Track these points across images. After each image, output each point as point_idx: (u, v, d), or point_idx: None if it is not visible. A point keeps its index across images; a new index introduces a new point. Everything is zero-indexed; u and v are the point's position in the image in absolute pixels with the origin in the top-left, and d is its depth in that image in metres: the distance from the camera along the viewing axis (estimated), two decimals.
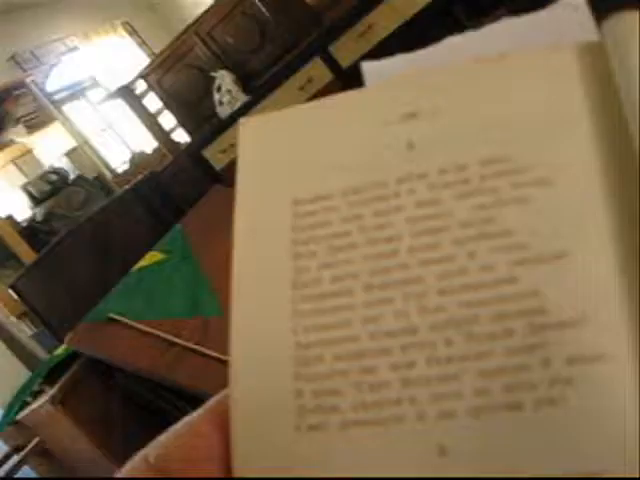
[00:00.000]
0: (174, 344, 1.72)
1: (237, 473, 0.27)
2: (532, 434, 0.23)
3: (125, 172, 5.18)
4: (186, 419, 0.29)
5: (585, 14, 0.28)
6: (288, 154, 0.30)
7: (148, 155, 5.19)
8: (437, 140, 0.28)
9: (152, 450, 0.28)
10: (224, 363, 1.61)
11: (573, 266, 0.24)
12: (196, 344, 1.70)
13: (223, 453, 0.27)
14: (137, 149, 5.69)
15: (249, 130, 0.32)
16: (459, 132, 0.27)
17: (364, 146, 0.29)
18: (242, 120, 0.32)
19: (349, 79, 2.96)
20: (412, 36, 2.82)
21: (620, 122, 0.26)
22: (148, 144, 5.31)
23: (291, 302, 0.28)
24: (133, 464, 0.28)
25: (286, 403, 0.27)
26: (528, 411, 0.24)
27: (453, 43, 0.31)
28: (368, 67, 0.32)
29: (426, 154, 0.28)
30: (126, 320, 1.79)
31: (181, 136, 4.27)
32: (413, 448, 0.25)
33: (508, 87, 0.27)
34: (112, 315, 1.81)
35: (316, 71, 3.05)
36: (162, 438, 0.28)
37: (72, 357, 1.99)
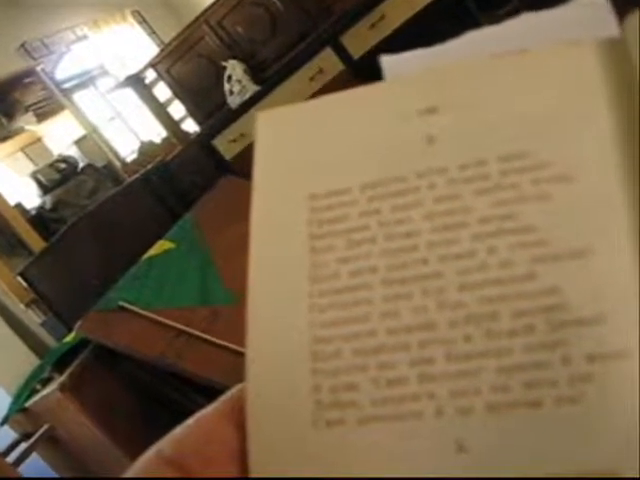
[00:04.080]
0: (183, 332, 1.73)
1: (253, 468, 0.27)
2: (551, 431, 0.23)
3: (134, 161, 5.18)
4: (201, 413, 0.28)
5: (606, 10, 0.28)
6: (305, 148, 0.30)
7: (157, 144, 5.19)
8: (457, 135, 0.27)
9: (166, 444, 0.28)
10: (232, 352, 1.61)
11: (593, 263, 0.24)
12: (205, 332, 1.70)
13: (238, 448, 0.27)
14: (146, 138, 5.69)
15: (266, 123, 0.31)
16: (479, 127, 0.27)
17: (383, 140, 0.29)
18: (259, 113, 0.31)
19: (360, 70, 2.95)
20: (424, 27, 2.80)
21: None
22: (157, 133, 5.31)
23: (309, 296, 0.27)
24: (146, 458, 0.27)
25: (303, 398, 0.26)
26: (548, 408, 0.23)
27: (472, 38, 0.30)
28: (387, 61, 0.31)
29: (446, 149, 0.27)
30: (136, 308, 1.79)
31: (190, 126, 4.27)
32: (431, 444, 0.24)
33: (528, 83, 0.27)
34: (122, 303, 1.81)
35: (327, 62, 3.04)
36: (176, 432, 0.28)
37: (81, 345, 2.00)
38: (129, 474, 0.27)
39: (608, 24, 0.28)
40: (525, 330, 0.24)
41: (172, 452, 0.27)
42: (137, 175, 2.95)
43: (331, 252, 0.28)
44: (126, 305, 1.80)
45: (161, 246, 2.08)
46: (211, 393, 1.65)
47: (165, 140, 4.89)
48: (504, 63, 0.28)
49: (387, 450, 0.25)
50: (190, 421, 0.28)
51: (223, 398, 0.29)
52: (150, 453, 0.27)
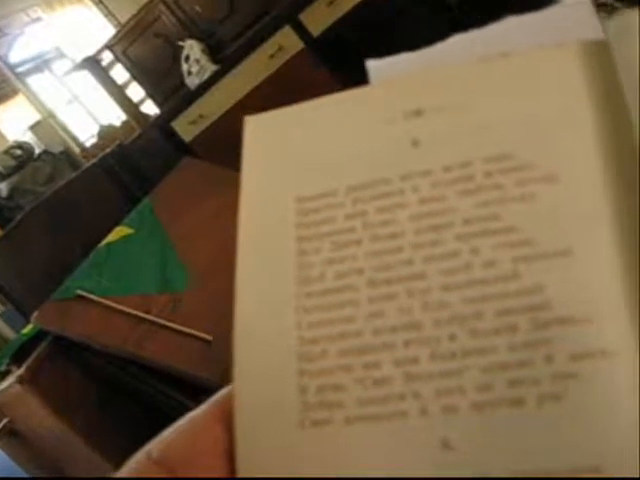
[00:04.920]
0: (143, 320, 1.69)
1: (241, 468, 0.27)
2: (535, 429, 0.23)
3: (93, 146, 5.08)
4: (190, 415, 0.29)
5: (590, 12, 0.28)
6: (293, 151, 0.30)
7: (116, 128, 5.10)
8: (442, 137, 0.28)
9: (155, 446, 0.28)
10: (195, 338, 1.58)
11: (577, 263, 0.24)
12: (166, 319, 1.67)
13: (227, 449, 0.27)
14: (105, 122, 5.58)
15: (254, 127, 0.32)
16: (464, 130, 0.28)
17: (369, 143, 0.29)
18: (247, 118, 0.32)
19: (320, 47, 2.91)
20: (381, 3, 2.78)
21: (624, 120, 0.26)
22: (117, 116, 5.22)
23: (295, 298, 0.28)
24: (136, 459, 0.28)
25: (290, 399, 0.27)
26: (531, 406, 0.24)
27: (458, 42, 0.31)
28: (374, 65, 0.32)
29: (431, 151, 0.28)
30: (94, 297, 1.75)
31: (150, 108, 4.20)
32: (417, 443, 0.25)
33: (513, 85, 0.28)
34: (80, 292, 1.77)
35: (286, 39, 2.99)
36: (165, 434, 0.28)
37: (40, 336, 1.95)
38: (119, 475, 0.27)
39: (592, 26, 0.28)
40: (509, 329, 0.24)
41: (161, 454, 0.27)
42: (94, 160, 2.88)
43: (317, 254, 0.28)
44: (84, 294, 1.76)
45: (119, 232, 2.02)
46: (174, 381, 1.60)
47: (125, 123, 4.81)
48: (489, 66, 0.28)
49: (373, 449, 0.25)
50: (179, 422, 0.28)
51: (212, 400, 0.29)
52: (140, 455, 0.28)
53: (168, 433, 0.28)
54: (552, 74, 0.27)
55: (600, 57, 0.27)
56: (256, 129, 0.32)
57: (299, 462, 0.26)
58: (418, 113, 0.29)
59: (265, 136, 0.31)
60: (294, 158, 0.30)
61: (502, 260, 0.25)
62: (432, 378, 0.25)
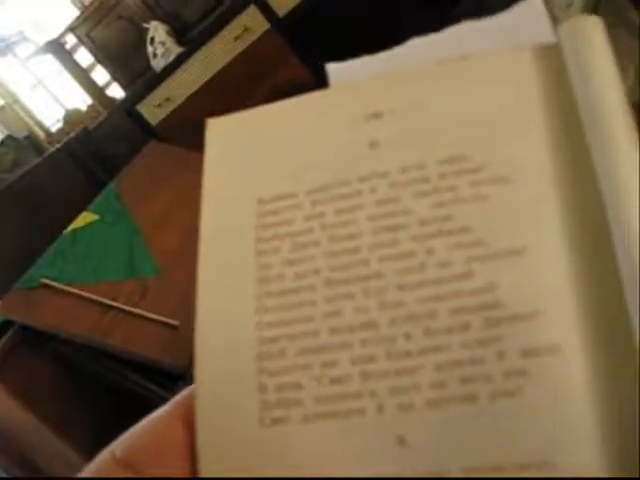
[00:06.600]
0: (111, 308, 1.67)
1: (202, 467, 0.27)
2: (487, 425, 0.24)
3: (59, 131, 5.00)
4: (154, 415, 0.29)
5: (544, 17, 0.29)
6: (254, 154, 0.31)
7: (82, 112, 5.02)
8: (399, 139, 0.28)
9: (119, 445, 0.28)
10: (163, 325, 1.57)
11: (527, 262, 0.25)
12: (133, 306, 1.65)
13: (189, 448, 0.28)
14: (71, 106, 5.50)
15: (216, 130, 0.32)
16: (420, 132, 0.28)
17: (328, 145, 0.30)
18: (209, 120, 0.32)
19: (286, 28, 2.87)
20: None
21: (575, 122, 0.26)
22: (83, 100, 5.14)
23: (255, 298, 0.28)
24: (100, 459, 0.28)
25: (250, 397, 0.27)
26: (483, 403, 0.24)
27: (417, 45, 0.31)
28: (333, 68, 0.33)
29: (388, 153, 0.28)
30: (59, 285, 1.72)
31: (116, 91, 4.14)
32: (373, 440, 0.25)
33: (467, 88, 0.28)
34: (44, 280, 1.74)
35: (252, 20, 2.94)
36: (129, 433, 0.29)
37: (5, 326, 1.92)
38: (83, 475, 0.28)
39: (545, 31, 0.29)
40: (462, 327, 0.25)
41: (124, 453, 0.28)
42: (59, 145, 2.83)
43: (277, 255, 0.29)
44: (49, 282, 1.73)
45: (84, 218, 1.99)
46: (146, 369, 1.58)
47: (91, 107, 4.73)
48: (445, 70, 0.29)
49: (331, 446, 0.26)
50: (143, 422, 0.29)
51: (175, 399, 0.29)
52: (104, 454, 0.28)
53: (131, 432, 0.29)
54: (505, 77, 0.28)
55: (552, 61, 0.27)
56: (218, 131, 0.32)
57: (260, 460, 0.27)
58: (377, 116, 0.29)
59: (227, 138, 0.32)
60: (255, 160, 0.31)
61: (456, 260, 0.26)
62: (388, 376, 0.25)
